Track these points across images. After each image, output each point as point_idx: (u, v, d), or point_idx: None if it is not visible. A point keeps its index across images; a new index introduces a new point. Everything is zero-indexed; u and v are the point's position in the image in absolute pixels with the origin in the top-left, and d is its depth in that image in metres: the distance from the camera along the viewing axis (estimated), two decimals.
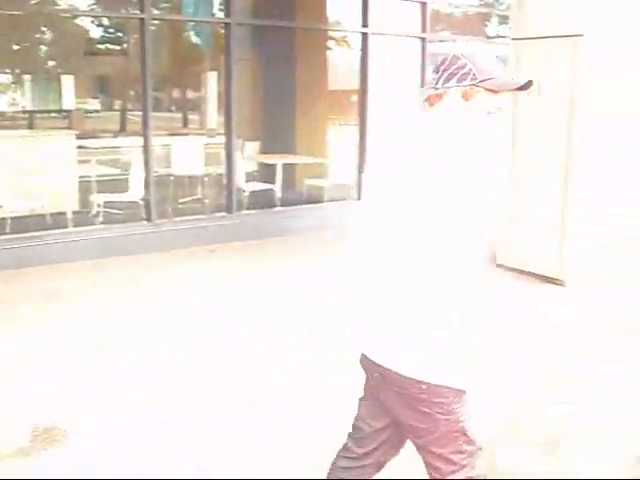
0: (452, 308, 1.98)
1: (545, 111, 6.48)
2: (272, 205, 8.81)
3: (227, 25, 7.89)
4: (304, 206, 8.98)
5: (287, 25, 9.35)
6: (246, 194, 8.52)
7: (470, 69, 1.98)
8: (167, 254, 7.25)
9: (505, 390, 4.12)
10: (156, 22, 8.73)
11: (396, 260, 2.02)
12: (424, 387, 2.00)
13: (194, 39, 12.67)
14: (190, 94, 13.89)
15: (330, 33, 10.35)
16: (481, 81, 1.98)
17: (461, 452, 2.12)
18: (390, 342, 2.07)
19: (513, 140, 6.91)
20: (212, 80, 11.65)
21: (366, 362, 2.19)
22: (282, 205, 8.85)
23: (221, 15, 8.52)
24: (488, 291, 2.15)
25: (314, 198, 9.14)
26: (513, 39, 6.91)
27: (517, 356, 4.73)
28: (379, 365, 2.10)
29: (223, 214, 8.15)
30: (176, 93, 14.17)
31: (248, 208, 8.47)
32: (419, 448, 2.19)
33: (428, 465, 2.19)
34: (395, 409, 2.14)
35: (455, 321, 1.99)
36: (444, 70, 2.01)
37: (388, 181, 2.05)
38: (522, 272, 6.78)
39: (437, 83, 2.02)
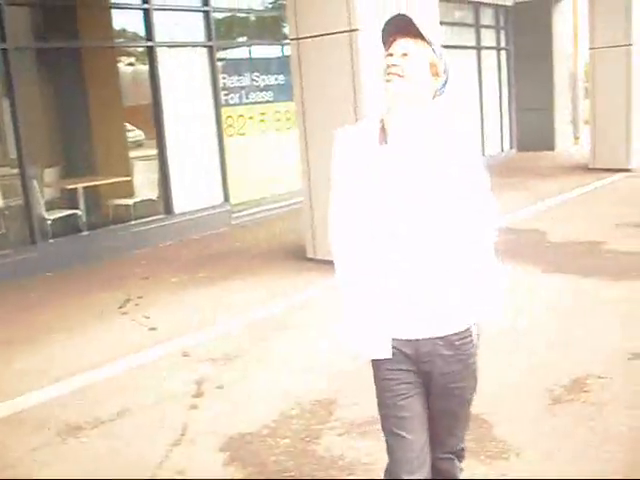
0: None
1: (331, 104, 6.75)
2: (78, 230, 8.65)
3: (4, 51, 7.63)
4: (111, 227, 8.91)
5: (71, 46, 9.13)
6: (49, 222, 8.29)
7: None
8: None
9: None
10: None
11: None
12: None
13: None
14: None
15: (118, 49, 10.17)
16: None
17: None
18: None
19: (305, 136, 7.15)
20: None
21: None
22: (89, 229, 8.72)
23: None
24: None
25: (121, 218, 9.07)
26: (292, 39, 7.11)
27: None
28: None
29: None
30: None
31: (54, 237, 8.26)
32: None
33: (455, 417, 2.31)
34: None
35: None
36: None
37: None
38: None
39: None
